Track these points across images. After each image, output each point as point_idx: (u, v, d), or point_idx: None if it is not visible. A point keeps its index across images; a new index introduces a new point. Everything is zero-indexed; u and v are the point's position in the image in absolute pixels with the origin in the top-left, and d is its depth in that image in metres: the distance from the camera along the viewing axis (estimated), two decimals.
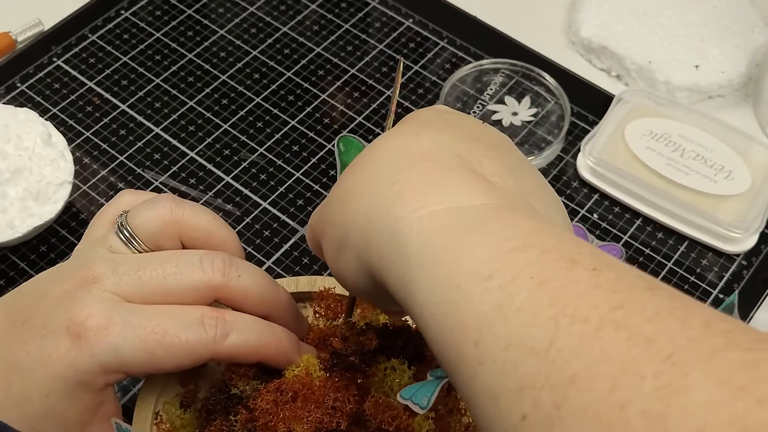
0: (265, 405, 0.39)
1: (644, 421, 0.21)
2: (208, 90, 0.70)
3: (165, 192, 0.63)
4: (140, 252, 0.42)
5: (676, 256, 0.62)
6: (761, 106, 0.69)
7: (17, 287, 0.42)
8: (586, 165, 0.65)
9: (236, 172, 0.65)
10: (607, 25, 0.71)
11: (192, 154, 0.66)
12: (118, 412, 0.41)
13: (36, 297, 0.40)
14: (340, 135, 0.66)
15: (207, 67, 0.71)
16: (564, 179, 0.65)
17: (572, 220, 0.63)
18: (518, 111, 0.69)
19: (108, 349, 0.38)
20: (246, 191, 0.64)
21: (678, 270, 0.61)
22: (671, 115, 0.66)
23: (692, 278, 0.60)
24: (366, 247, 0.33)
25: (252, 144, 0.66)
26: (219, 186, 0.64)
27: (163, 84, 0.70)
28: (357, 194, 0.34)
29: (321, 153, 0.66)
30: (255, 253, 0.60)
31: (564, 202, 0.64)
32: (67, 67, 0.70)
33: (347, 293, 0.45)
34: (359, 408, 0.40)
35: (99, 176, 0.64)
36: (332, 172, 0.65)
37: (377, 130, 0.68)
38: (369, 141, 0.67)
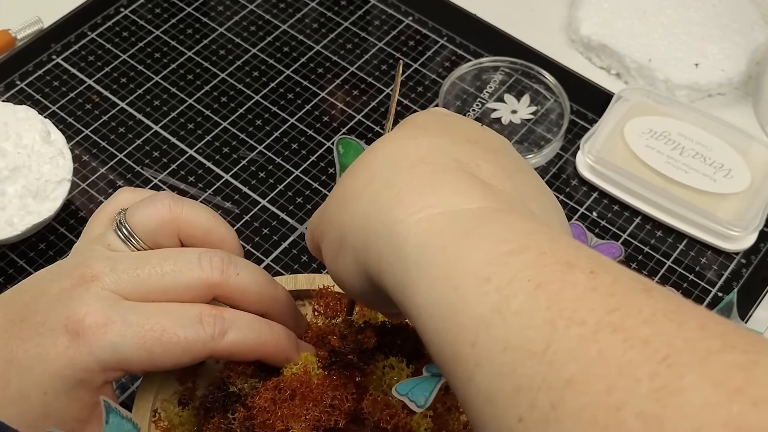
0: (263, 403, 0.39)
1: (640, 422, 0.21)
2: (207, 88, 0.70)
3: (164, 190, 0.63)
4: (139, 250, 0.42)
5: (675, 255, 0.62)
6: (761, 104, 0.69)
7: (16, 285, 0.42)
8: (585, 163, 0.65)
9: (235, 169, 0.65)
10: (607, 23, 0.71)
11: (191, 151, 0.66)
12: None
13: (34, 295, 0.40)
14: (340, 137, 0.66)
15: (206, 65, 0.71)
16: (563, 177, 0.65)
17: (571, 218, 0.63)
18: (518, 109, 0.69)
19: (106, 347, 0.38)
20: (245, 189, 0.64)
21: (677, 268, 0.61)
22: (671, 113, 0.66)
23: (691, 276, 0.61)
24: (364, 250, 0.33)
25: (251, 142, 0.66)
26: (218, 184, 0.64)
27: (162, 82, 0.70)
28: (356, 196, 0.34)
29: (320, 151, 0.66)
30: (254, 251, 0.60)
31: (563, 200, 0.64)
32: (66, 65, 0.70)
33: None
34: (357, 406, 0.40)
35: (98, 174, 0.64)
36: (331, 170, 0.65)
37: (376, 129, 0.68)
38: (368, 139, 0.67)
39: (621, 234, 0.63)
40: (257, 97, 0.69)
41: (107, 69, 0.70)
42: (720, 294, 0.60)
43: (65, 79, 0.69)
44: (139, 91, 0.69)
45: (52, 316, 0.38)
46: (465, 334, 0.27)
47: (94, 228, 0.43)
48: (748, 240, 0.62)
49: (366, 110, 0.69)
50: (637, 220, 0.63)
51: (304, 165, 0.65)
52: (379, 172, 0.34)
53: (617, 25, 0.71)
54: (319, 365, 0.41)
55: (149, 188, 0.61)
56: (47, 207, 0.57)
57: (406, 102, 0.70)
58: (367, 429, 0.41)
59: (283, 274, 0.57)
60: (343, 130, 0.67)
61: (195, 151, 0.66)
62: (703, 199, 0.62)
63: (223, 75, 0.71)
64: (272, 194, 0.63)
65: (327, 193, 0.63)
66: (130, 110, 0.68)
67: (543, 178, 0.65)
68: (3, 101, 0.65)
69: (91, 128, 0.67)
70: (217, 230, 0.43)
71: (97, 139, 0.66)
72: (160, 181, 0.64)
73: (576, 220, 0.63)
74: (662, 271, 0.61)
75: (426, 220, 0.31)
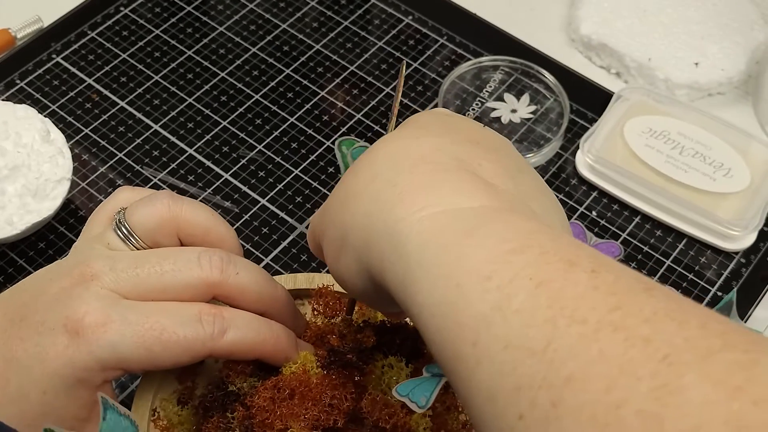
0: (262, 402, 0.39)
1: (640, 420, 0.21)
2: (207, 87, 0.70)
3: (163, 189, 0.63)
4: (138, 249, 0.42)
5: (674, 254, 0.62)
6: (761, 103, 0.69)
7: (15, 284, 0.42)
8: (585, 162, 0.65)
9: (235, 169, 0.65)
10: (607, 23, 0.71)
11: (191, 151, 0.66)
12: None
13: (34, 294, 0.40)
14: (342, 137, 0.66)
15: (206, 64, 0.71)
16: (563, 176, 0.65)
17: (571, 217, 0.63)
18: (517, 108, 0.69)
19: (106, 346, 0.38)
20: (245, 188, 0.64)
21: (676, 268, 0.61)
22: (670, 112, 0.66)
23: (691, 276, 0.60)
24: (366, 248, 0.33)
25: (251, 141, 0.66)
26: (218, 183, 0.64)
27: (162, 81, 0.70)
28: (357, 195, 0.34)
29: (320, 150, 0.66)
30: (253, 250, 0.60)
31: (563, 200, 0.64)
32: (66, 64, 0.70)
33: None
34: (356, 405, 0.40)
35: (98, 173, 0.64)
36: (331, 170, 0.65)
37: (376, 128, 0.68)
38: (368, 138, 0.67)
39: (620, 233, 0.63)
40: (257, 96, 0.69)
41: (107, 68, 0.70)
42: (719, 293, 0.60)
43: (65, 78, 0.69)
44: (139, 90, 0.69)
45: (51, 315, 0.38)
46: (466, 333, 0.27)
47: (93, 227, 0.43)
48: (748, 239, 0.61)
49: (366, 109, 0.69)
50: (637, 220, 0.63)
51: (304, 164, 0.65)
52: (381, 171, 0.34)
53: (617, 25, 0.71)
54: (318, 364, 0.41)
55: (149, 187, 0.61)
56: (47, 206, 0.57)
57: (405, 101, 0.69)
58: (366, 428, 0.41)
59: (283, 273, 0.57)
60: (343, 129, 0.67)
61: (194, 150, 0.66)
62: (702, 199, 0.62)
63: (222, 74, 0.71)
64: (272, 193, 0.63)
65: (327, 192, 0.63)
66: (130, 109, 0.68)
67: (543, 178, 0.65)
68: (3, 100, 0.65)
69: (91, 127, 0.67)
70: (216, 229, 0.43)
71: (97, 138, 0.66)
72: (159, 180, 0.64)
73: (575, 219, 0.63)
74: (662, 270, 0.61)
75: (428, 218, 0.31)
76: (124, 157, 0.65)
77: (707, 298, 0.60)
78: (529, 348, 0.25)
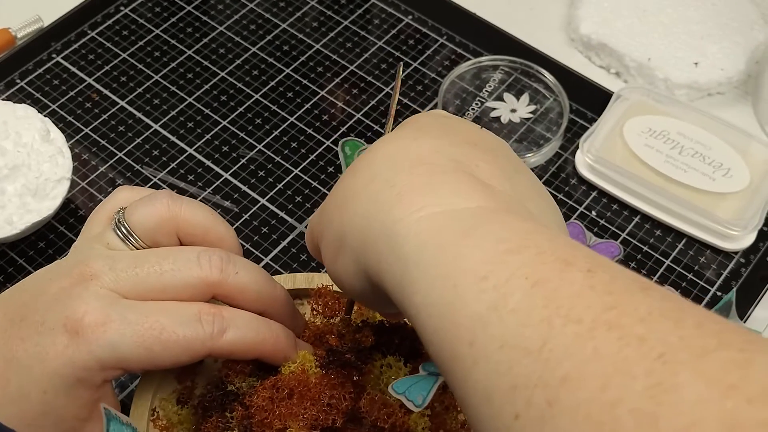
0: (261, 402, 0.39)
1: (634, 419, 0.21)
2: (207, 86, 0.70)
3: (163, 188, 0.63)
4: (137, 249, 0.42)
5: (674, 254, 0.62)
6: (760, 103, 0.69)
7: (15, 284, 0.42)
8: (584, 162, 0.65)
9: (235, 168, 0.65)
10: (607, 23, 0.71)
11: (191, 150, 0.66)
12: (116, 409, 0.41)
13: (33, 294, 0.40)
14: (345, 138, 0.66)
15: (206, 63, 0.71)
16: (562, 176, 0.65)
17: (570, 217, 0.63)
18: (517, 108, 0.69)
19: (105, 345, 0.38)
20: (244, 188, 0.64)
21: (676, 267, 0.61)
22: (670, 112, 0.66)
23: (690, 276, 0.61)
24: (364, 249, 0.33)
25: (251, 141, 0.66)
26: (217, 182, 0.64)
27: (162, 80, 0.70)
28: (355, 196, 0.34)
29: (320, 150, 0.66)
30: (253, 250, 0.60)
31: (562, 199, 0.64)
32: (66, 64, 0.70)
33: None
34: (355, 405, 0.40)
35: (98, 172, 0.64)
36: (330, 169, 0.65)
37: (376, 127, 0.68)
38: (367, 138, 0.67)
39: (620, 233, 0.63)
40: (257, 96, 0.69)
41: (107, 68, 0.71)
42: (719, 293, 0.60)
43: (65, 78, 0.70)
44: (139, 90, 0.69)
45: (51, 315, 0.38)
46: (463, 333, 0.27)
47: (92, 227, 0.43)
48: (747, 239, 0.62)
49: (365, 109, 0.69)
50: (636, 219, 0.63)
51: (304, 164, 0.65)
52: (379, 172, 0.34)
53: (617, 24, 0.71)
54: (317, 364, 0.41)
55: (149, 187, 0.61)
56: (47, 205, 0.57)
57: (405, 101, 0.70)
58: (365, 428, 0.41)
59: (282, 273, 0.57)
60: (343, 129, 0.68)
61: (194, 150, 0.66)
62: (702, 199, 0.62)
63: (222, 74, 0.71)
64: (271, 193, 0.63)
65: (326, 191, 0.63)
66: (130, 109, 0.68)
67: (542, 177, 0.65)
68: (3, 100, 0.65)
69: (91, 127, 0.67)
70: (215, 229, 0.43)
71: (97, 138, 0.66)
72: (159, 179, 0.64)
73: (575, 219, 0.63)
74: (661, 270, 0.61)
75: (426, 219, 0.31)
76: (124, 157, 0.65)
77: (706, 298, 0.60)
78: (524, 347, 0.25)
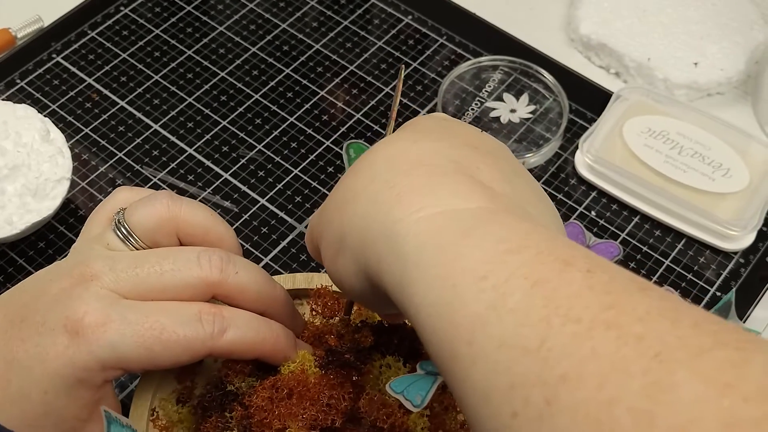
0: (261, 402, 0.39)
1: (632, 417, 0.22)
2: (207, 87, 0.70)
3: (163, 188, 0.63)
4: (137, 249, 0.42)
5: (673, 254, 0.62)
6: (760, 103, 0.69)
7: (15, 285, 0.42)
8: (584, 162, 0.65)
9: (234, 168, 0.65)
10: (606, 23, 0.71)
11: (190, 150, 0.66)
12: (116, 409, 0.41)
13: (34, 295, 0.40)
14: (349, 140, 0.66)
15: (206, 63, 0.71)
16: (562, 176, 0.66)
17: (570, 217, 0.63)
18: (516, 108, 0.69)
19: (106, 345, 0.38)
20: (244, 188, 0.64)
21: (675, 268, 0.61)
22: (670, 112, 0.66)
23: (690, 276, 0.61)
24: (363, 250, 0.33)
25: (251, 141, 0.67)
26: (217, 183, 0.64)
27: (162, 81, 0.70)
28: (355, 197, 0.34)
29: (319, 150, 0.66)
30: (252, 250, 0.60)
31: (562, 200, 0.64)
32: (66, 64, 0.71)
33: None
34: (354, 405, 0.40)
35: (98, 173, 0.64)
36: (330, 169, 0.65)
37: (375, 127, 0.68)
38: (367, 138, 0.67)
39: (619, 233, 0.63)
40: (257, 96, 0.69)
41: (107, 68, 0.71)
42: (718, 293, 0.60)
43: (65, 78, 0.70)
44: (139, 90, 0.69)
45: (51, 315, 0.39)
46: (462, 333, 0.27)
47: (92, 227, 0.43)
48: (747, 239, 0.62)
49: (365, 109, 0.69)
50: (636, 220, 0.63)
51: (303, 164, 0.65)
52: (379, 173, 0.34)
53: (616, 24, 0.71)
54: (317, 364, 0.41)
55: (149, 187, 0.61)
56: (47, 205, 0.57)
57: (404, 101, 0.70)
58: (364, 428, 0.41)
59: (282, 273, 0.57)
60: (343, 129, 0.68)
61: (194, 150, 0.66)
62: (701, 199, 0.62)
63: (222, 74, 0.71)
64: (271, 193, 0.64)
65: (326, 192, 0.63)
66: (130, 109, 0.68)
67: (542, 178, 0.65)
68: (3, 100, 0.65)
69: (91, 127, 0.67)
70: (215, 229, 0.43)
71: (97, 138, 0.66)
72: (159, 179, 0.64)
73: (574, 219, 0.63)
74: (661, 270, 0.61)
75: (425, 219, 0.31)
76: (124, 157, 0.65)
77: (706, 298, 0.60)
78: (523, 347, 0.25)
